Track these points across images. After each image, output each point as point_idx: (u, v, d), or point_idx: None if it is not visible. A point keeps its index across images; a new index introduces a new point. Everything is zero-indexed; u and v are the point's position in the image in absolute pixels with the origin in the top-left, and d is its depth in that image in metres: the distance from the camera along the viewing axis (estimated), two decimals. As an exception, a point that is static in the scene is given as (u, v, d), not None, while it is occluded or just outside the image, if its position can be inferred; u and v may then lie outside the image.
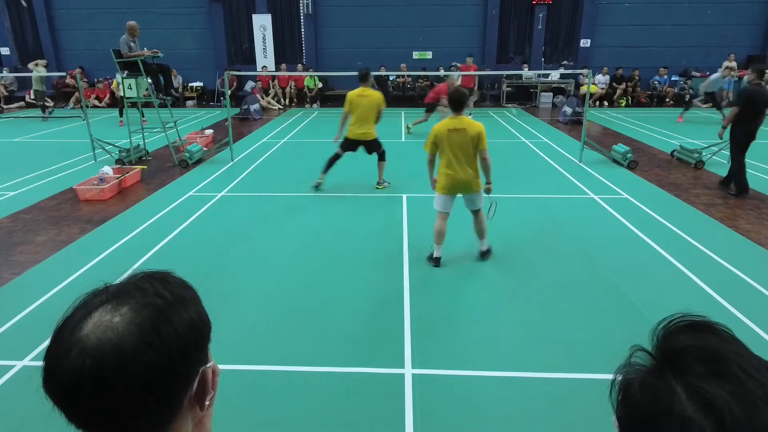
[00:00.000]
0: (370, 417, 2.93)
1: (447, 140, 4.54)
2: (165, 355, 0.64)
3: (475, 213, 4.81)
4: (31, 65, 14.21)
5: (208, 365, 0.74)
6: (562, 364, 3.37)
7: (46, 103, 14.48)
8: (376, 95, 7.02)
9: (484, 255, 4.92)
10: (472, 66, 14.94)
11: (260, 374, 3.30)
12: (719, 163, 8.59)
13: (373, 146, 7.25)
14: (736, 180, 7.04)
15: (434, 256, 4.78)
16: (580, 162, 8.78)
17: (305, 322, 3.90)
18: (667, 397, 0.55)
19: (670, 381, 0.56)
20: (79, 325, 0.64)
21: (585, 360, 3.41)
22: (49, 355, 0.64)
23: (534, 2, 17.20)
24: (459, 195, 4.76)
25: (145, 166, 8.51)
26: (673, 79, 17.11)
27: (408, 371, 3.31)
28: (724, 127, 7.19)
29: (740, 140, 6.93)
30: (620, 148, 8.83)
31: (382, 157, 7.31)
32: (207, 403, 0.73)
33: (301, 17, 17.54)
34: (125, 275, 0.73)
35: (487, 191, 4.78)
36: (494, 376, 3.26)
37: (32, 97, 14.95)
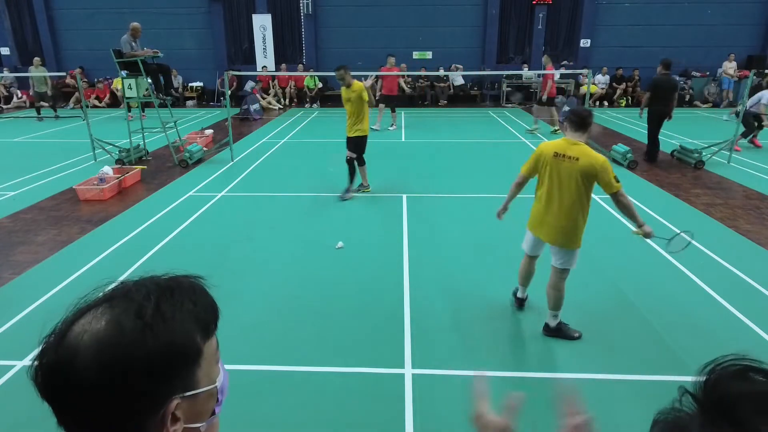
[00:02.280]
0: (370, 417, 2.93)
1: (552, 166, 3.47)
2: (111, 377, 0.63)
3: (555, 270, 3.58)
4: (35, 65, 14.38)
5: (188, 393, 0.69)
6: (562, 364, 3.37)
7: (42, 104, 14.53)
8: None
9: (550, 332, 3.69)
10: (394, 68, 12.41)
11: (260, 374, 3.30)
12: (720, 163, 8.60)
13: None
14: (648, 150, 9.06)
15: (518, 296, 4.02)
16: (580, 162, 8.76)
17: (305, 322, 3.90)
18: None
19: None
20: (72, 322, 0.67)
21: (585, 360, 3.41)
22: (42, 345, 0.67)
23: (534, 2, 17.20)
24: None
25: (145, 166, 8.52)
26: (673, 78, 17.11)
27: (408, 371, 3.31)
28: (642, 109, 9.09)
29: (654, 119, 8.84)
30: (620, 148, 8.83)
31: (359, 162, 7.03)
32: (198, 426, 0.71)
33: (301, 17, 17.54)
34: (165, 272, 0.74)
35: (647, 235, 3.45)
36: (494, 376, 3.26)
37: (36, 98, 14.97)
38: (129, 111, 12.22)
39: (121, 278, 0.73)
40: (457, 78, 17.52)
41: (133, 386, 0.65)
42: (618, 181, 3.34)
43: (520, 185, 3.79)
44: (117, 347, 0.64)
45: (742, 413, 0.51)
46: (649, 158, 8.98)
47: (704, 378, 0.56)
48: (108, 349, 0.64)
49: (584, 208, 3.48)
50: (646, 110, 8.95)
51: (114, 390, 0.64)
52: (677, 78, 14.04)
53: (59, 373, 0.64)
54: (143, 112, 11.65)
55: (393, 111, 12.41)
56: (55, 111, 14.62)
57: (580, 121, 3.43)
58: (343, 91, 6.78)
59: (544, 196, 3.55)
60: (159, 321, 0.67)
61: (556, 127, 11.64)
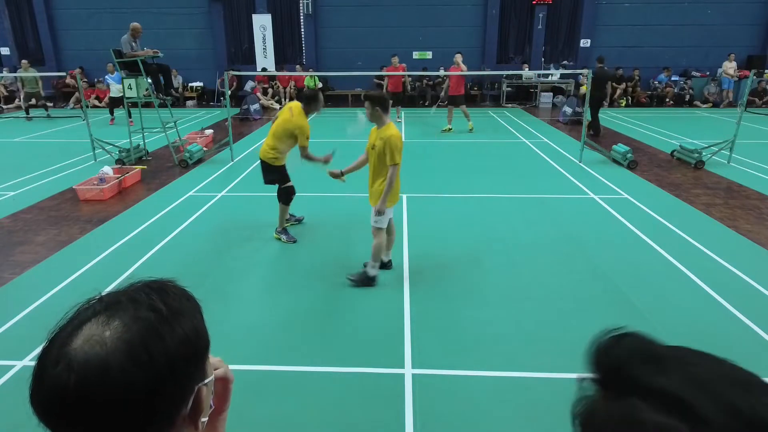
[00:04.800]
0: (370, 417, 2.93)
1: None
2: (153, 373, 0.62)
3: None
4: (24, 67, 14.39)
5: (206, 381, 0.71)
6: (562, 364, 3.36)
7: (31, 104, 14.49)
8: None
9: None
10: (400, 66, 13.03)
11: (260, 374, 3.30)
12: (720, 163, 8.60)
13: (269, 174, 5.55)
14: (593, 126, 11.12)
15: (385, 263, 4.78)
16: (580, 162, 8.78)
17: (305, 322, 3.90)
18: (632, 413, 0.51)
19: (627, 397, 0.53)
20: (70, 337, 0.62)
21: (585, 360, 3.40)
22: (38, 366, 0.62)
23: (534, 2, 17.20)
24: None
25: (145, 166, 8.52)
26: (673, 79, 17.11)
27: (408, 371, 3.31)
28: (587, 96, 10.58)
29: (596, 102, 10.93)
30: (620, 148, 8.83)
31: (279, 197, 5.47)
32: (203, 421, 0.71)
33: (301, 17, 17.54)
34: (124, 282, 0.71)
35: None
36: (494, 376, 3.26)
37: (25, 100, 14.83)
38: (112, 114, 13.76)
39: (120, 279, 0.73)
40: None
41: (177, 375, 0.65)
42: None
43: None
44: (152, 340, 0.63)
45: (632, 372, 0.55)
46: (594, 133, 11.14)
47: (589, 360, 0.61)
48: (141, 349, 0.62)
49: None
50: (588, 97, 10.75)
51: (160, 385, 0.63)
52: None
53: (86, 392, 0.60)
54: (112, 115, 13.58)
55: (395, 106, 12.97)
56: (47, 110, 14.57)
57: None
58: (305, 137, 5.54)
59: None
60: (174, 311, 0.67)
61: (449, 126, 12.15)
